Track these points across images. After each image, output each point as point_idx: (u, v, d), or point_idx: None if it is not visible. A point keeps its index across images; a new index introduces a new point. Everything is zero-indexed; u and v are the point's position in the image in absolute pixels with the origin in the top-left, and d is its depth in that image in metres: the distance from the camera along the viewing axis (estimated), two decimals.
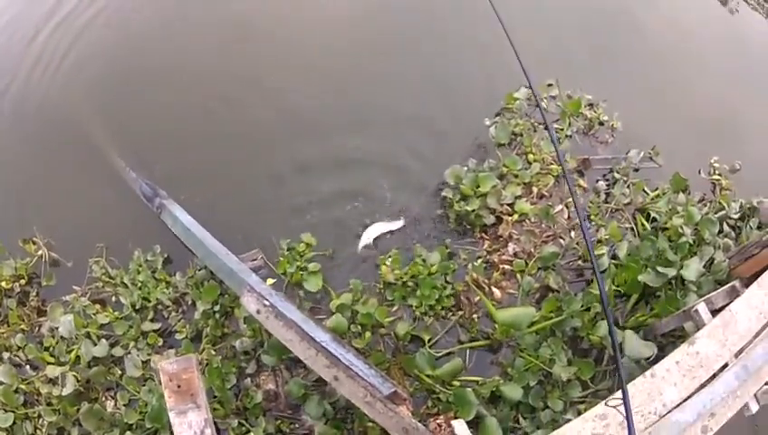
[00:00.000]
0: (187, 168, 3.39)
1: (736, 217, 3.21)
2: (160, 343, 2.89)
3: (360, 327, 2.70)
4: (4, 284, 3.06)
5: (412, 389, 2.61)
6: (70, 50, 3.94)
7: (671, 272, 2.66)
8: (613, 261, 2.90)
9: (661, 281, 2.68)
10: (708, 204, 3.30)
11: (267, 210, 3.17)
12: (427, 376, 2.61)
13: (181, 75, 3.72)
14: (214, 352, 2.81)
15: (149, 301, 3.00)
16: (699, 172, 3.47)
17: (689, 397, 2.07)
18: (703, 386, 2.11)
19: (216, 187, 3.30)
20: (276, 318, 2.45)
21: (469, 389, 2.55)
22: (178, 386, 2.01)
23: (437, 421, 2.36)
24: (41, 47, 4.01)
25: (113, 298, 3.05)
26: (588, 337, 2.74)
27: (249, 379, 2.74)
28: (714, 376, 2.15)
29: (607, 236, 2.99)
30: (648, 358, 2.52)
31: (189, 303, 2.97)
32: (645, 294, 2.84)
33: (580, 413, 2.54)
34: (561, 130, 3.44)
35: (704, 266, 2.74)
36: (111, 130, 3.53)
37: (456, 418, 2.40)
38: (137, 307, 2.98)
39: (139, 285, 3.04)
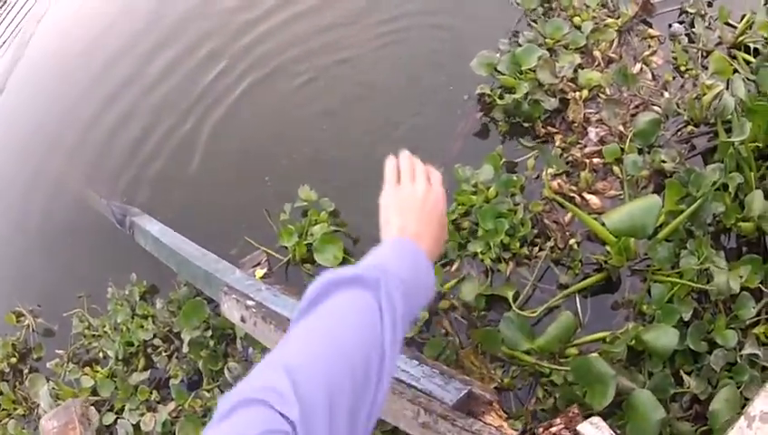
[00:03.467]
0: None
1: None
2: (155, 397, 2.14)
3: None
4: None
5: (507, 379, 1.76)
6: None
7: None
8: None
9: None
10: None
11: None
12: (525, 353, 1.74)
13: None
14: (210, 395, 2.02)
15: (133, 345, 2.29)
16: None
17: None
18: None
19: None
20: (266, 321, 1.70)
21: (594, 355, 1.65)
22: None
23: (553, 429, 1.52)
24: None
25: (101, 353, 2.40)
26: (738, 225, 1.86)
27: None
28: None
29: (711, 81, 2.09)
30: None
31: (175, 334, 2.22)
32: None
33: (760, 341, 1.70)
34: None
35: None
36: None
37: (584, 414, 1.55)
38: (120, 358, 2.29)
39: (121, 329, 2.36)
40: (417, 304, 0.90)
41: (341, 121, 2.41)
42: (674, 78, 2.28)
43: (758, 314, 1.76)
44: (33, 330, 2.65)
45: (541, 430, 1.54)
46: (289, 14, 2.92)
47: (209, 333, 2.12)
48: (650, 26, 2.44)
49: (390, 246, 0.93)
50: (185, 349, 2.12)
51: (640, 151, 1.99)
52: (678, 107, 2.14)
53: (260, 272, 2.09)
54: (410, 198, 1.01)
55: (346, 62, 2.60)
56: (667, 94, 2.16)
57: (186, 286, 2.28)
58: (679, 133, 2.11)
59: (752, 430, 1.36)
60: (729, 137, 1.92)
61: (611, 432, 1.47)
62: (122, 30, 3.52)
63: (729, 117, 1.97)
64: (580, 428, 1.48)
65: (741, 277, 1.73)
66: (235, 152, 2.56)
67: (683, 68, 2.27)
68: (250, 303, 1.83)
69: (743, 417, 1.40)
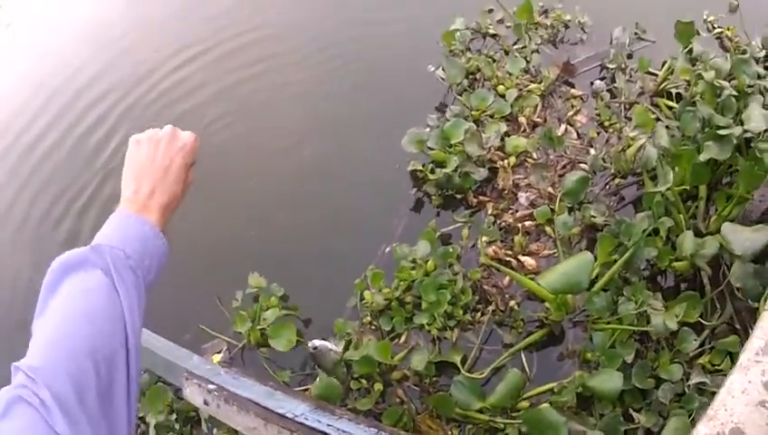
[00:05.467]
0: None
1: (762, 54, 2.51)
2: None
3: (362, 382, 1.89)
4: None
5: None
6: None
7: (735, 130, 1.89)
8: None
9: (728, 148, 1.90)
10: (725, 56, 2.54)
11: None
12: (479, 412, 1.78)
13: None
14: None
15: None
16: (698, 33, 2.69)
17: None
18: None
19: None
20: (228, 403, 1.72)
21: (545, 405, 1.73)
22: None
23: None
24: None
25: None
26: (672, 265, 1.94)
27: None
28: None
29: (634, 134, 2.21)
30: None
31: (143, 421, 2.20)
32: (713, 183, 2.09)
33: (706, 370, 1.82)
34: (524, 48, 2.71)
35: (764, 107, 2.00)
36: None
37: None
38: None
39: None
40: (151, 269, 0.92)
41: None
42: (598, 134, 2.43)
43: (701, 345, 1.83)
44: None
45: None
46: None
47: (174, 416, 2.10)
48: (572, 86, 2.61)
49: (115, 223, 0.93)
50: (151, 433, 2.11)
51: (570, 210, 2.09)
52: (605, 162, 2.26)
53: (217, 357, 2.12)
54: (145, 158, 0.99)
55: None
56: (593, 151, 2.29)
57: (146, 373, 2.27)
58: (608, 187, 2.23)
59: None
60: (655, 185, 2.02)
61: None
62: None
63: (654, 166, 2.08)
64: None
65: (677, 316, 1.80)
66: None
67: (607, 123, 2.42)
68: (211, 386, 1.85)
69: None
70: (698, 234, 1.97)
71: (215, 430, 2.06)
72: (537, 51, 2.70)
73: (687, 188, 2.13)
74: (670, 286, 2.07)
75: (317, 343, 1.91)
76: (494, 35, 2.82)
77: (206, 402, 1.83)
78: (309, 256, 2.16)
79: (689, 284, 2.04)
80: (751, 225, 1.87)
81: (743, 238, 1.81)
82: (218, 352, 2.19)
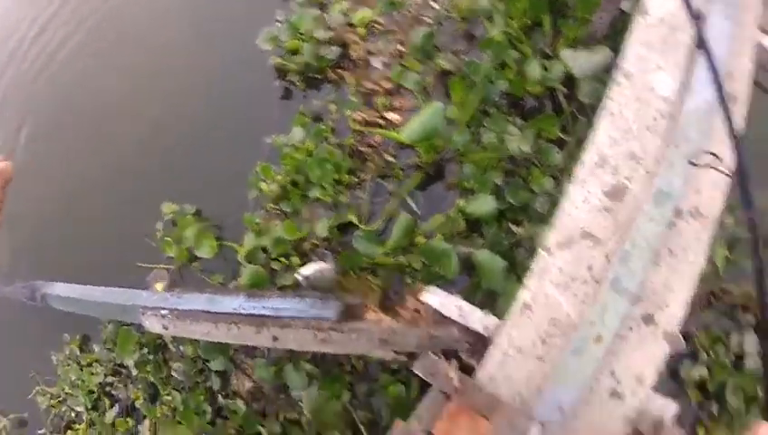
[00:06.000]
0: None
1: None
2: (131, 424, 2.44)
3: (281, 261, 2.17)
4: None
5: (381, 282, 2.09)
6: None
7: None
8: None
9: None
10: None
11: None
12: (385, 256, 2.09)
13: None
14: (171, 397, 2.33)
15: (94, 392, 2.57)
16: None
17: None
18: None
19: None
20: (181, 319, 1.99)
21: (437, 236, 2.03)
22: None
23: (409, 304, 1.86)
24: None
25: (72, 413, 2.64)
26: (527, 91, 2.18)
27: (222, 397, 2.27)
28: None
29: None
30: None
31: (122, 365, 2.51)
32: (555, 10, 2.26)
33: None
34: None
35: None
36: None
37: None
38: (90, 407, 2.56)
39: (77, 384, 2.63)
40: None
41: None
42: None
43: (572, 158, 2.11)
44: (7, 430, 2.80)
45: (399, 308, 1.88)
46: None
47: (145, 350, 2.42)
48: None
49: None
50: (134, 372, 2.43)
51: (423, 61, 2.28)
52: (448, 12, 2.42)
53: (160, 285, 2.38)
54: None
55: None
56: (434, 4, 2.44)
57: (110, 323, 2.55)
58: (455, 33, 2.40)
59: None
60: (493, 23, 2.22)
61: (446, 294, 1.82)
62: None
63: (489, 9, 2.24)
64: (422, 297, 1.82)
65: (537, 135, 2.06)
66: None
67: None
68: (164, 312, 2.12)
69: None
70: (548, 57, 2.18)
71: (181, 347, 2.37)
72: None
73: (529, 21, 2.30)
74: (534, 108, 2.30)
75: (305, 272, 1.95)
76: None
77: (164, 327, 2.09)
78: (202, 168, 2.37)
79: (554, 102, 2.26)
80: (596, 44, 2.09)
81: (581, 61, 2.04)
82: (161, 281, 2.45)
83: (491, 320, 1.69)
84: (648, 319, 1.63)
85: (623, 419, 1.66)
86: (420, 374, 1.63)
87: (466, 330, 1.72)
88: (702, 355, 2.12)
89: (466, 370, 1.69)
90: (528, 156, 2.11)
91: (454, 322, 1.74)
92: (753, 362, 2.12)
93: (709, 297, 2.25)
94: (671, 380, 2.18)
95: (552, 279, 1.64)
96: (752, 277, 1.29)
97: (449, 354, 1.80)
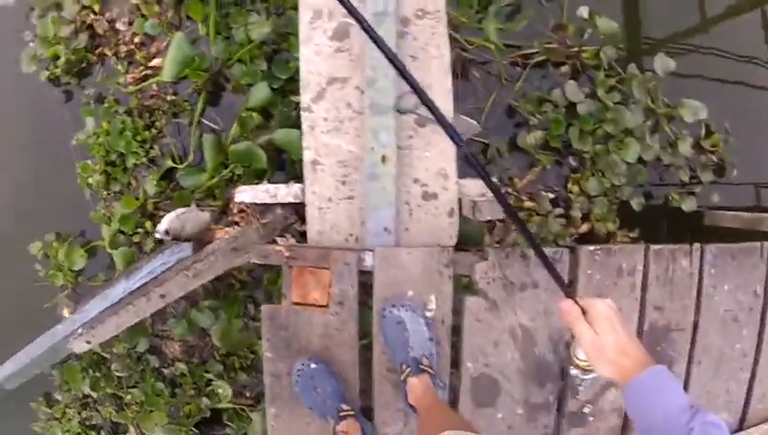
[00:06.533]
0: None
1: None
2: None
3: (139, 233, 2.37)
4: None
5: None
6: None
7: None
8: None
9: None
10: None
11: None
12: (210, 178, 2.27)
13: None
14: (131, 396, 2.55)
15: (80, 433, 2.75)
16: None
17: None
18: None
19: None
20: (93, 327, 2.14)
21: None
22: None
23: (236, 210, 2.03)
24: None
25: None
26: None
27: (166, 369, 2.52)
28: None
29: None
30: None
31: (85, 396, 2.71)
32: None
33: None
34: None
35: None
36: None
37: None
38: None
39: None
40: None
41: None
42: None
43: None
44: None
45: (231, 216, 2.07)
46: None
47: (90, 371, 2.62)
48: None
49: None
50: (95, 395, 2.64)
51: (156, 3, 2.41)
52: None
53: (66, 311, 2.58)
54: None
55: None
56: None
57: (54, 369, 2.73)
58: None
59: None
60: None
61: (251, 187, 1.95)
62: None
63: None
64: (235, 199, 1.97)
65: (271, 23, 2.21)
66: None
67: None
68: (80, 330, 2.30)
69: None
70: None
71: (113, 349, 2.57)
72: None
73: None
74: None
75: (162, 228, 1.91)
76: None
77: (88, 342, 2.25)
78: (34, 196, 2.56)
79: None
80: None
81: None
82: (67, 308, 2.64)
83: (295, 187, 1.89)
84: (421, 121, 1.83)
85: (448, 211, 1.89)
86: (258, 262, 1.84)
87: (284, 205, 1.93)
88: (533, 120, 2.32)
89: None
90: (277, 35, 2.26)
91: (272, 205, 1.93)
92: (584, 107, 2.29)
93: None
94: (518, 153, 2.38)
95: (323, 129, 1.84)
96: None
97: (288, 230, 2.01)
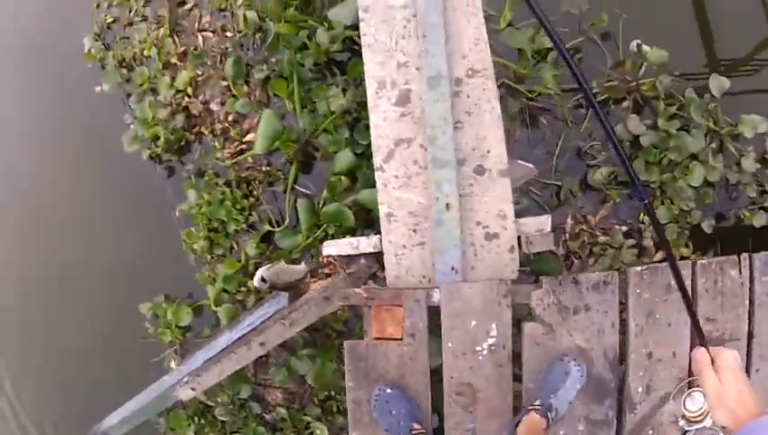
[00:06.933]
0: None
1: None
2: None
3: (241, 291, 2.61)
4: None
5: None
6: None
7: None
8: None
9: None
10: None
11: None
12: (305, 239, 2.50)
13: None
14: None
15: None
16: None
17: None
18: None
19: None
20: (199, 375, 2.36)
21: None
22: None
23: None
24: None
25: None
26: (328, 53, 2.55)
27: (267, 414, 2.72)
28: None
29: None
30: None
31: None
32: None
33: None
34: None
35: None
36: None
37: None
38: None
39: None
40: None
41: None
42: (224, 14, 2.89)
43: None
44: None
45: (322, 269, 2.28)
46: None
47: (195, 419, 2.84)
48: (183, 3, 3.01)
49: None
50: None
51: (244, 85, 2.68)
52: (241, 32, 2.78)
53: (173, 364, 2.82)
54: None
55: None
56: (228, 33, 2.81)
57: (160, 417, 2.96)
58: (255, 45, 2.77)
59: None
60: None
61: (335, 241, 2.19)
62: None
63: None
64: (323, 253, 2.18)
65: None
66: None
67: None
68: (185, 379, 2.50)
69: None
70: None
71: (218, 398, 2.78)
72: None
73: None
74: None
75: (259, 276, 1.99)
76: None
77: (193, 389, 2.46)
78: (146, 266, 2.81)
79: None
80: None
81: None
82: (174, 361, 2.89)
83: (374, 238, 2.09)
84: (480, 170, 2.02)
85: (508, 248, 2.06)
86: (342, 303, 2.04)
87: (367, 256, 2.12)
88: (600, 158, 2.44)
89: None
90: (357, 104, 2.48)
91: (356, 256, 2.13)
92: (647, 139, 2.38)
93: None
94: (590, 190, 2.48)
95: (394, 186, 2.04)
96: None
97: (372, 278, 2.21)
